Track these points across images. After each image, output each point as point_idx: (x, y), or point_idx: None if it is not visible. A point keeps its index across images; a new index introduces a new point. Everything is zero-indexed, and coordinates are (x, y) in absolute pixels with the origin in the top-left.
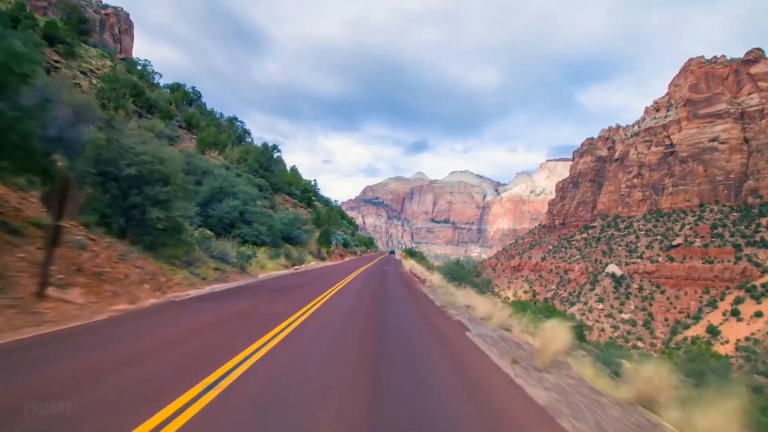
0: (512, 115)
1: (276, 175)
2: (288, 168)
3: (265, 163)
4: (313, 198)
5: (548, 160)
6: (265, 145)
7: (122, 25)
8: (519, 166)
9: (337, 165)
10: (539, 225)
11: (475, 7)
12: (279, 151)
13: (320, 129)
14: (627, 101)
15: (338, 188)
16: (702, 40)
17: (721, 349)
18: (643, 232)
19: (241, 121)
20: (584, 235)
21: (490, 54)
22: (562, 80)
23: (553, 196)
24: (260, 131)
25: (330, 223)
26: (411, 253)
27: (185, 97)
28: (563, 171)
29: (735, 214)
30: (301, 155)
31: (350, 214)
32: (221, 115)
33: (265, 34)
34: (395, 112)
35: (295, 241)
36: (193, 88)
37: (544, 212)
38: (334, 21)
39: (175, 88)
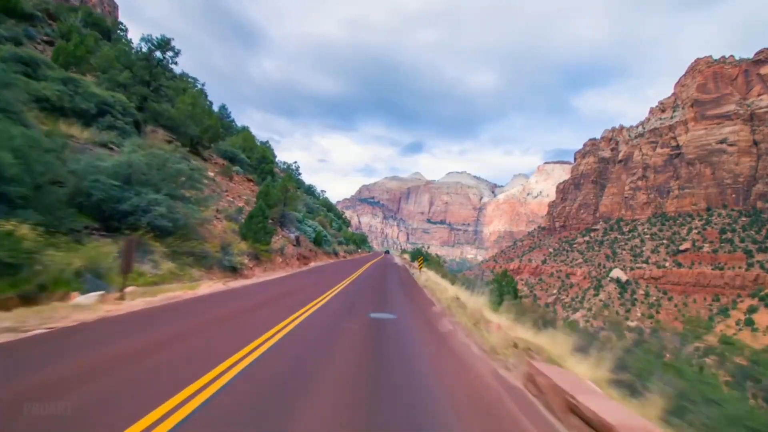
0: (509, 118)
1: (167, 97)
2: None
3: (140, 73)
4: (286, 179)
5: (545, 163)
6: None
7: (105, 6)
8: (514, 170)
9: (334, 164)
10: (539, 227)
11: (474, 10)
12: (176, 53)
13: (317, 127)
14: (623, 107)
15: (335, 188)
16: (698, 49)
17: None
18: (648, 236)
19: (190, 76)
20: (586, 238)
21: (487, 57)
22: (559, 85)
23: (550, 199)
24: (256, 128)
25: (286, 203)
26: (424, 257)
27: (85, 17)
28: (560, 174)
29: (744, 218)
30: (297, 154)
31: (346, 213)
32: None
33: (262, 32)
34: (392, 112)
35: (141, 222)
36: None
37: (541, 215)
38: (333, 20)
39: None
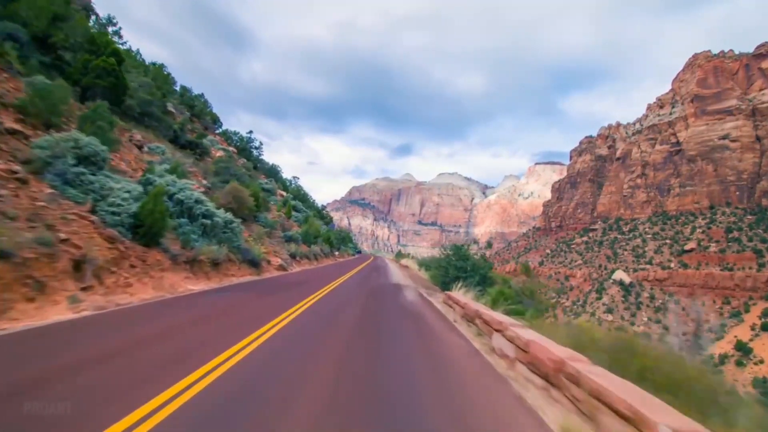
0: (497, 120)
1: None
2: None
3: None
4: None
5: (536, 164)
6: None
7: None
8: (504, 171)
9: (324, 167)
10: (534, 227)
11: (462, 13)
12: None
13: (306, 130)
14: (609, 110)
15: (325, 189)
16: (684, 54)
17: (756, 371)
18: (649, 236)
19: None
20: (585, 239)
21: (475, 60)
22: (546, 87)
23: (541, 200)
24: (245, 130)
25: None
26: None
27: None
28: (551, 175)
29: (750, 216)
30: (287, 156)
31: (336, 215)
32: None
33: (250, 34)
34: (381, 114)
35: None
36: None
37: (532, 215)
38: (321, 22)
39: None
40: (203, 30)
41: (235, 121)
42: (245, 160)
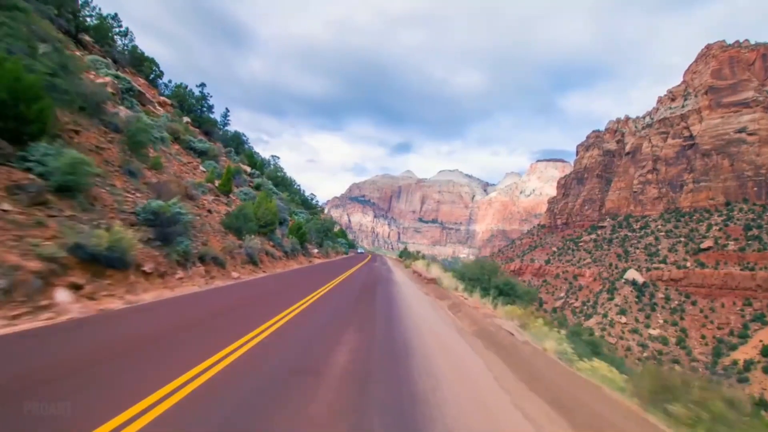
0: (496, 118)
1: None
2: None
3: None
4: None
5: (538, 161)
6: None
7: None
8: (504, 169)
9: (323, 164)
10: (538, 225)
11: (460, 11)
12: None
13: (306, 128)
14: (607, 108)
15: (325, 187)
16: (677, 53)
17: None
18: (662, 233)
19: None
20: (593, 236)
21: (474, 58)
22: (545, 86)
23: (543, 197)
24: (244, 129)
25: None
26: None
27: None
28: (553, 172)
29: None
30: (286, 153)
31: (336, 212)
32: None
33: (249, 33)
34: (381, 112)
35: None
36: None
37: (534, 213)
38: (319, 21)
39: None
40: (202, 27)
41: (233, 119)
42: (189, 119)
